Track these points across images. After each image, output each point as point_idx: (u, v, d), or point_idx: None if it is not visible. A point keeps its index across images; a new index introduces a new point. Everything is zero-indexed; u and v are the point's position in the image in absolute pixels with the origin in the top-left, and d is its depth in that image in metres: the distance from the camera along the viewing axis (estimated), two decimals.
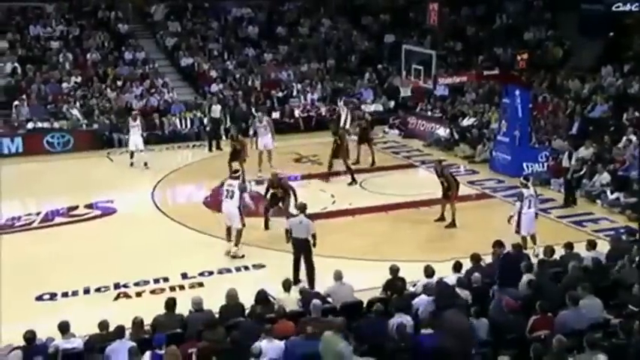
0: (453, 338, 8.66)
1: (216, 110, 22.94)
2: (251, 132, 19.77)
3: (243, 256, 13.71)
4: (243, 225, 13.70)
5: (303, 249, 12.35)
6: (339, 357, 8.29)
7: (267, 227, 15.11)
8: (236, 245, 13.77)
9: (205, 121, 23.51)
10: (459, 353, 8.45)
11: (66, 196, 17.59)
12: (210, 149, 22.39)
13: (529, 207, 13.70)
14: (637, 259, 11.03)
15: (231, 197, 13.68)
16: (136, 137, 20.50)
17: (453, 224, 15.48)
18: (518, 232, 13.58)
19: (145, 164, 20.26)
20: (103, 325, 9.40)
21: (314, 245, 12.42)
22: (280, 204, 15.02)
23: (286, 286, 10.52)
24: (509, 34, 28.45)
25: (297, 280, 12.02)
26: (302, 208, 12.66)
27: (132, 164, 20.50)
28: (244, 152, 18.20)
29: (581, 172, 17.88)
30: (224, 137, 23.27)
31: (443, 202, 15.81)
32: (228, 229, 13.87)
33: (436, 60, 18.07)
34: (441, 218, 15.73)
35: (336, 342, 8.41)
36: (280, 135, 22.52)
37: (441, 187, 15.77)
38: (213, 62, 27.29)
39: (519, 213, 13.60)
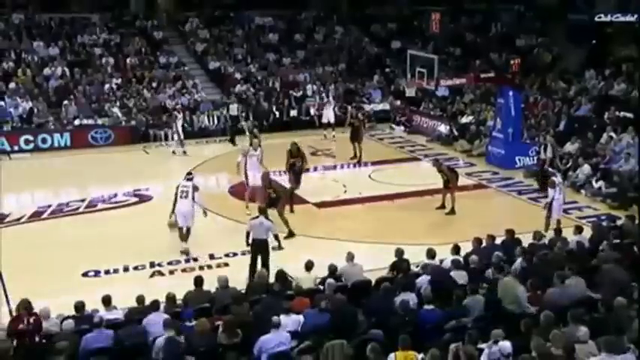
0: (612, 290, 8.70)
1: (234, 109, 23.02)
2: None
3: (187, 253, 13.02)
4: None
5: (261, 250, 11.82)
6: (516, 300, 8.57)
7: (292, 210, 15.08)
8: (185, 241, 13.18)
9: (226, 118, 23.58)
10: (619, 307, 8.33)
11: (108, 185, 17.65)
12: (234, 143, 22.39)
13: (560, 193, 13.70)
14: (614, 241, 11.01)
15: (186, 197, 13.23)
16: (179, 130, 21.18)
17: (452, 211, 15.45)
18: (549, 216, 13.57)
19: (185, 152, 21.01)
20: (140, 299, 9.48)
21: (280, 247, 12.17)
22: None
23: (308, 266, 10.50)
24: (503, 41, 28.28)
25: (252, 280, 11.62)
26: (263, 210, 12.26)
27: (174, 152, 21.14)
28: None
29: (568, 165, 17.81)
30: (247, 132, 23.35)
31: (443, 192, 15.78)
32: (181, 229, 13.28)
33: (438, 64, 17.99)
34: (442, 206, 15.71)
35: (514, 286, 8.50)
36: (297, 131, 22.65)
37: (441, 179, 15.74)
38: (237, 65, 27.26)
39: (552, 198, 13.55)
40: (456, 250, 11.14)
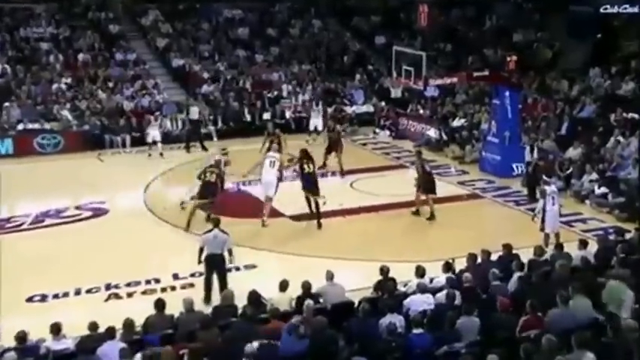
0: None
1: (194, 112, 22.98)
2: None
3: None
4: None
5: (217, 266, 11.90)
6: (622, 305, 8.85)
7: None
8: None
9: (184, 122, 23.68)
10: None
11: (56, 198, 17.51)
12: (187, 150, 22.40)
13: (553, 204, 13.79)
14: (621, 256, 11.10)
15: (273, 166, 15.53)
16: (154, 131, 21.74)
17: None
18: (542, 229, 13.70)
19: (161, 154, 21.50)
20: (94, 326, 9.36)
21: (231, 261, 12.18)
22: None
23: (283, 286, 10.49)
24: (498, 36, 28.51)
25: (209, 299, 11.85)
26: (216, 222, 12.27)
27: (149, 155, 21.64)
28: (282, 146, 17.66)
29: (568, 172, 17.99)
30: (215, 138, 23.35)
31: (417, 194, 16.12)
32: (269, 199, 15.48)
33: (426, 61, 18.10)
34: (416, 212, 16.19)
35: (622, 290, 8.80)
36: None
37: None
38: (204, 63, 27.25)
39: (543, 210, 13.69)
40: (448, 267, 11.18)
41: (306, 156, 16.14)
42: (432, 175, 16.50)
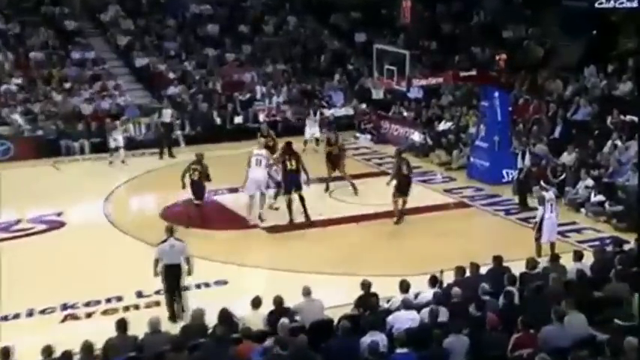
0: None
1: (167, 114, 22.91)
2: None
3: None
4: None
5: (177, 277, 11.95)
6: None
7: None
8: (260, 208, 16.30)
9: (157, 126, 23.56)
10: None
11: (6, 210, 17.31)
12: (161, 156, 22.35)
13: (551, 211, 13.90)
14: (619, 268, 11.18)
15: (260, 164, 16.20)
16: (117, 136, 21.58)
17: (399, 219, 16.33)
18: (538, 239, 13.80)
19: (123, 161, 21.34)
20: (49, 350, 9.23)
21: (189, 273, 12.12)
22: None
23: (256, 303, 10.46)
24: (487, 33, 28.67)
25: (174, 316, 11.86)
26: (170, 230, 12.28)
27: (111, 162, 21.46)
28: (276, 149, 17.88)
29: (561, 177, 18.12)
30: (182, 144, 23.26)
31: (395, 198, 16.31)
32: (251, 198, 16.30)
33: (410, 60, 18.14)
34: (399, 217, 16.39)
35: None
36: (243, 141, 22.50)
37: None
38: (170, 63, 27.15)
39: (541, 218, 13.78)
40: (435, 281, 11.21)
41: (288, 151, 16.33)
42: (409, 178, 16.70)
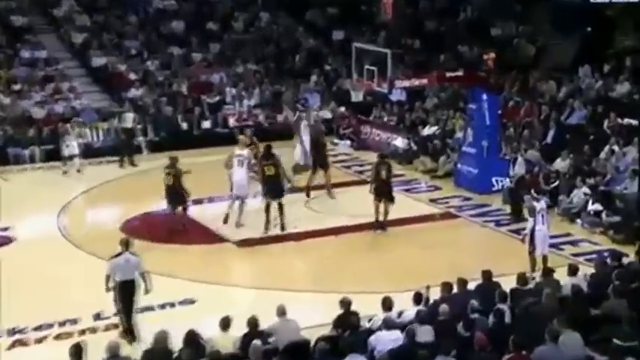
0: None
1: (128, 119, 22.82)
2: None
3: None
4: None
5: (132, 294, 11.96)
6: None
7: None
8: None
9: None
10: None
11: None
12: (121, 165, 22.29)
13: (542, 222, 14.03)
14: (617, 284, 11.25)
15: (242, 166, 16.66)
16: (71, 143, 21.49)
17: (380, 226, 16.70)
18: (532, 252, 13.91)
19: (78, 170, 21.33)
20: None
21: (147, 290, 12.08)
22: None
23: (225, 324, 10.43)
24: (474, 30, 28.83)
25: (134, 338, 11.81)
26: (126, 243, 12.22)
27: (65, 172, 21.32)
28: (258, 156, 17.91)
29: (555, 184, 18.23)
30: (145, 151, 23.19)
31: (376, 203, 16.60)
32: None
33: (392, 60, 18.23)
34: (381, 225, 16.68)
35: None
36: (212, 147, 22.53)
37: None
38: (130, 63, 27.09)
39: (532, 230, 13.90)
40: (419, 298, 11.24)
41: (267, 156, 16.48)
42: (389, 184, 16.96)
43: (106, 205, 19.45)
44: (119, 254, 12.03)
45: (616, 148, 18.99)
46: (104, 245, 15.29)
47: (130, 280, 11.91)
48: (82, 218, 18.62)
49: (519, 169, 18.52)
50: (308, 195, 19.05)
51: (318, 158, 19.28)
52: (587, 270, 12.68)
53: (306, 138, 19.63)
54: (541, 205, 14.35)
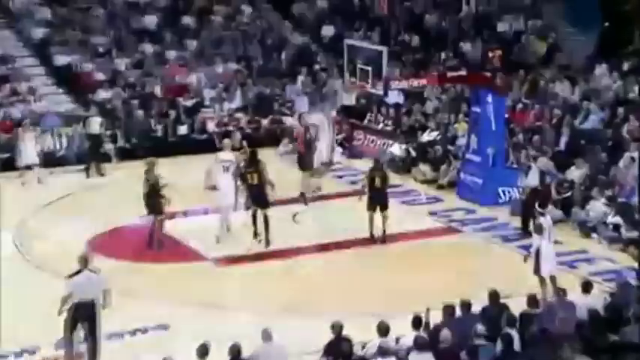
0: None
1: (95, 124, 22.77)
2: None
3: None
4: None
5: (88, 316, 11.85)
6: None
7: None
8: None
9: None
10: None
11: None
12: (87, 175, 22.25)
13: (549, 240, 14.10)
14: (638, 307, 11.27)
15: (227, 171, 16.85)
16: (30, 150, 21.40)
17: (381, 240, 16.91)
18: (537, 272, 13.93)
19: (39, 181, 21.31)
20: None
21: (105, 306, 12.03)
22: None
23: (202, 352, 10.40)
24: (479, 25, 28.90)
25: None
26: (85, 260, 12.19)
27: (23, 183, 21.25)
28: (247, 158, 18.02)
29: (567, 194, 18.25)
30: (114, 159, 23.14)
31: (371, 213, 16.93)
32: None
33: (388, 58, 18.29)
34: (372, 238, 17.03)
35: None
36: (189, 156, 22.51)
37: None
38: (98, 62, 27.06)
39: (537, 248, 13.95)
40: (418, 322, 11.22)
41: (251, 162, 16.64)
42: (385, 193, 17.13)
43: (70, 220, 19.31)
44: (78, 272, 11.97)
45: (636, 155, 19.01)
46: (68, 265, 15.24)
47: (89, 300, 11.82)
48: (43, 234, 18.51)
49: (532, 179, 18.40)
50: (306, 203, 19.34)
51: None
52: (603, 290, 12.71)
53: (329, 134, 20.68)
54: (547, 221, 14.37)
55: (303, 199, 19.48)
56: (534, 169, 18.40)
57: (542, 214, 14.57)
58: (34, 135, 22.33)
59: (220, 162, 17.11)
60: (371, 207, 17.01)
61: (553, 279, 13.95)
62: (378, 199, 17.05)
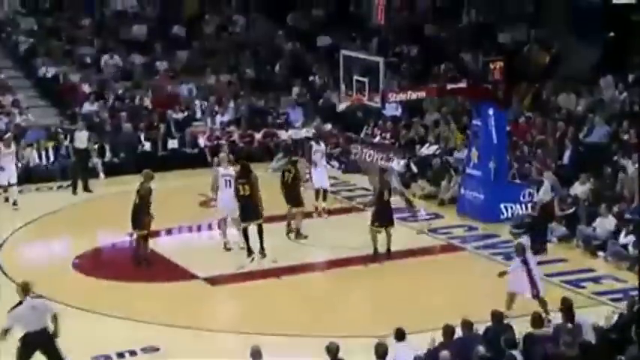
0: None
1: (83, 138, 22.72)
2: None
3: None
4: None
5: (45, 345, 11.69)
6: None
7: None
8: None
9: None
10: None
11: None
12: (74, 191, 22.24)
13: (534, 262, 14.17)
14: None
15: (230, 186, 16.91)
16: (10, 168, 21.07)
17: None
18: (537, 295, 13.85)
19: (14, 203, 20.81)
20: None
21: (55, 335, 11.83)
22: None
23: None
24: (479, 36, 28.97)
25: None
26: (26, 288, 11.91)
27: (6, 200, 21.06)
28: None
29: (570, 211, 18.25)
30: (101, 175, 23.11)
31: (374, 231, 16.88)
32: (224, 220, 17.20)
33: (385, 69, 18.31)
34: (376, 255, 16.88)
35: None
36: (180, 171, 22.47)
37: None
38: (85, 73, 27.08)
39: (529, 270, 13.93)
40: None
41: (243, 174, 16.69)
42: (388, 205, 17.09)
43: (55, 238, 19.31)
44: (20, 303, 11.73)
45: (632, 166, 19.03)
46: (54, 286, 15.26)
47: (41, 330, 11.66)
48: (26, 254, 18.46)
49: (544, 194, 18.34)
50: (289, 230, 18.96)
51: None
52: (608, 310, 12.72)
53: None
54: (527, 241, 14.45)
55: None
56: (546, 183, 18.37)
57: (519, 234, 14.55)
58: (13, 150, 21.97)
59: (222, 177, 17.28)
60: (378, 222, 16.94)
61: (544, 303, 13.90)
62: (385, 215, 16.98)
